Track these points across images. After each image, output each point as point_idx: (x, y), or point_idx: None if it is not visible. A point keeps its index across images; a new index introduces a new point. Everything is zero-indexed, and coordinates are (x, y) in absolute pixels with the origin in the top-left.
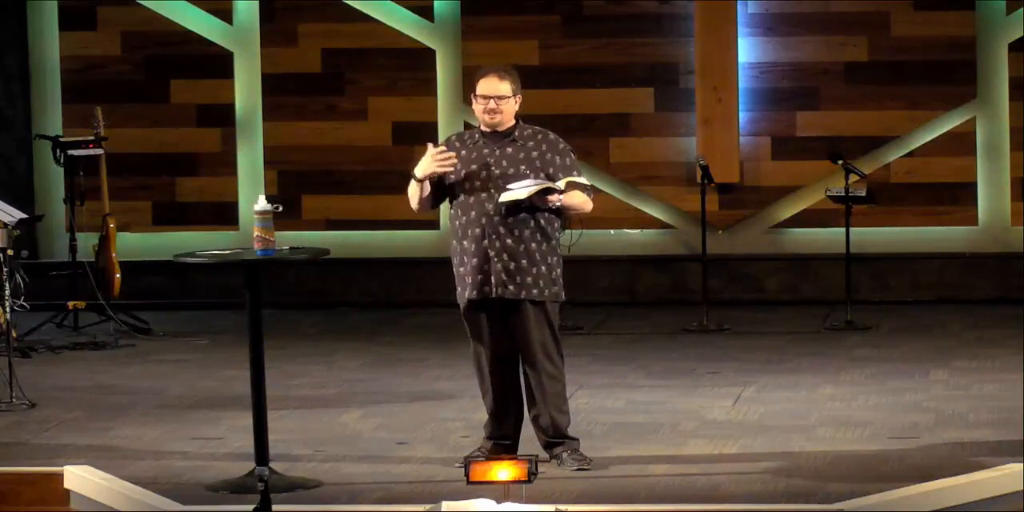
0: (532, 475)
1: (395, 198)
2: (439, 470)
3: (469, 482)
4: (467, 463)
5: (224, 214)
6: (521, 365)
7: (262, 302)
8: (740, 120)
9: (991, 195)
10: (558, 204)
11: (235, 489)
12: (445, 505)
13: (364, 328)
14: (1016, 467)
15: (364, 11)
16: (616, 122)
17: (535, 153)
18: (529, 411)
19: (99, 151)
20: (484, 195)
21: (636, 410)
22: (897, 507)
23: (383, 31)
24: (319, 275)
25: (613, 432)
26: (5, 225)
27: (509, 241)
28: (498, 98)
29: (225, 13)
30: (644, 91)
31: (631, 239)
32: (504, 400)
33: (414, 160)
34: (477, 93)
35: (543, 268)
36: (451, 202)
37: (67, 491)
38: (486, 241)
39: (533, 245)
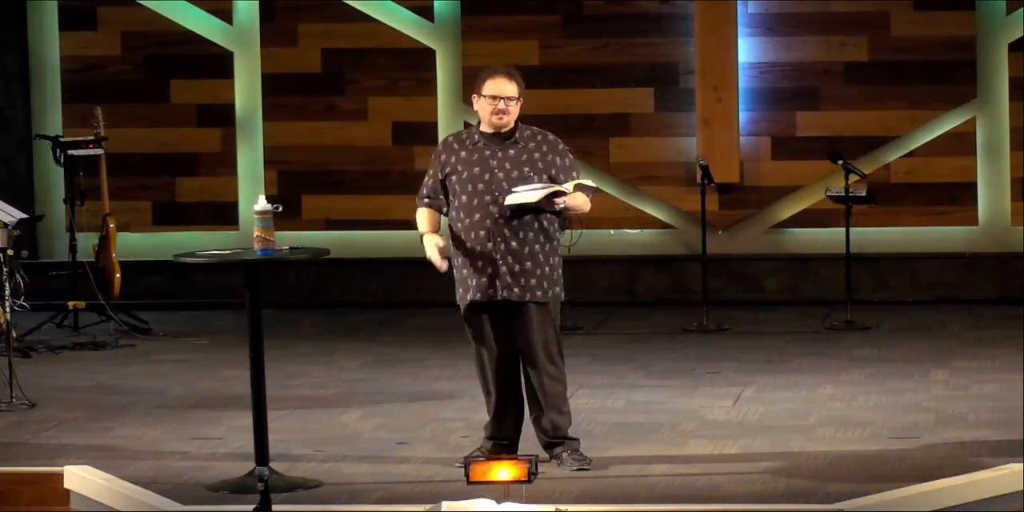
0: (532, 475)
1: (395, 198)
2: (439, 470)
3: (469, 482)
4: (467, 463)
5: (224, 214)
6: (522, 366)
7: (262, 302)
8: (740, 120)
9: (991, 195)
10: (563, 206)
11: (235, 489)
12: (445, 505)
13: (364, 328)
14: (1016, 467)
15: (364, 11)
16: (616, 122)
17: (536, 154)
18: (530, 412)
19: (99, 151)
20: (488, 198)
21: (636, 410)
22: (897, 507)
23: (383, 31)
24: (319, 275)
25: (613, 432)
26: (5, 225)
27: (514, 244)
28: (507, 99)
29: (225, 13)
30: (644, 91)
31: (631, 239)
32: (505, 401)
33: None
34: (485, 94)
35: (546, 269)
36: (449, 203)
37: (67, 491)
38: (491, 244)
39: (536, 247)
